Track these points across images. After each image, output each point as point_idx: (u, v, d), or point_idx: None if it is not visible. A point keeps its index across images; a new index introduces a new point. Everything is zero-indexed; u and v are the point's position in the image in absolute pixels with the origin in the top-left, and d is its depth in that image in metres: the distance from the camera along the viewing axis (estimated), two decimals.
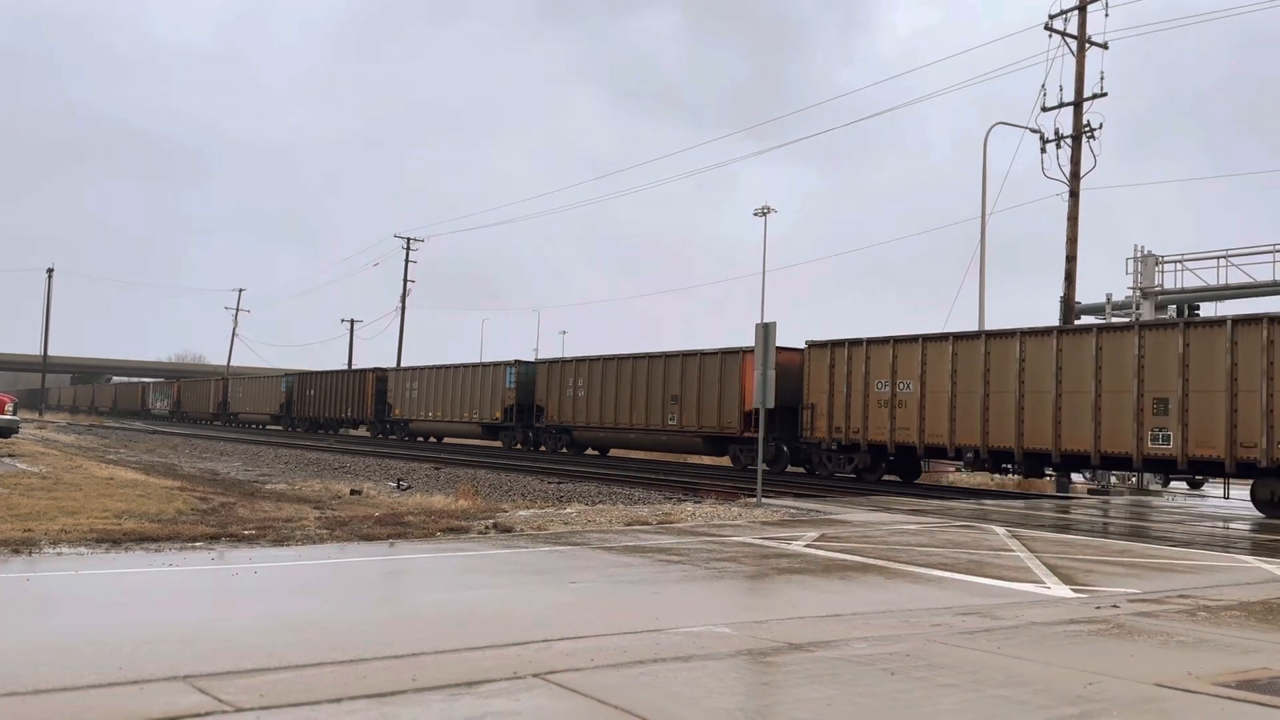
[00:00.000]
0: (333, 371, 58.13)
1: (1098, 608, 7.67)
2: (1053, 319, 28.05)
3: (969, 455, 22.90)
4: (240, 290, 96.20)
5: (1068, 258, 26.17)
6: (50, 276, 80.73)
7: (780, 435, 27.89)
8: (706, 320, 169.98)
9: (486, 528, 12.06)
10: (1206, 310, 32.12)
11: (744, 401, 28.97)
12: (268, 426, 61.54)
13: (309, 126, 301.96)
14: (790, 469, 28.25)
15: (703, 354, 31.30)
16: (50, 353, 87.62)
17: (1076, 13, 26.14)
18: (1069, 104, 26.06)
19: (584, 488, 22.33)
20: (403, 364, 56.86)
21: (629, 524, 12.91)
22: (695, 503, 17.23)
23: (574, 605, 7.36)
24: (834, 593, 8.18)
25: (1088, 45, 26.06)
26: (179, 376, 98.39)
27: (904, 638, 6.32)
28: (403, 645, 5.70)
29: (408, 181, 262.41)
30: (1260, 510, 18.31)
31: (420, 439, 48.11)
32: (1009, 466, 22.52)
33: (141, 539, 10.03)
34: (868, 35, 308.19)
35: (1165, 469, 20.12)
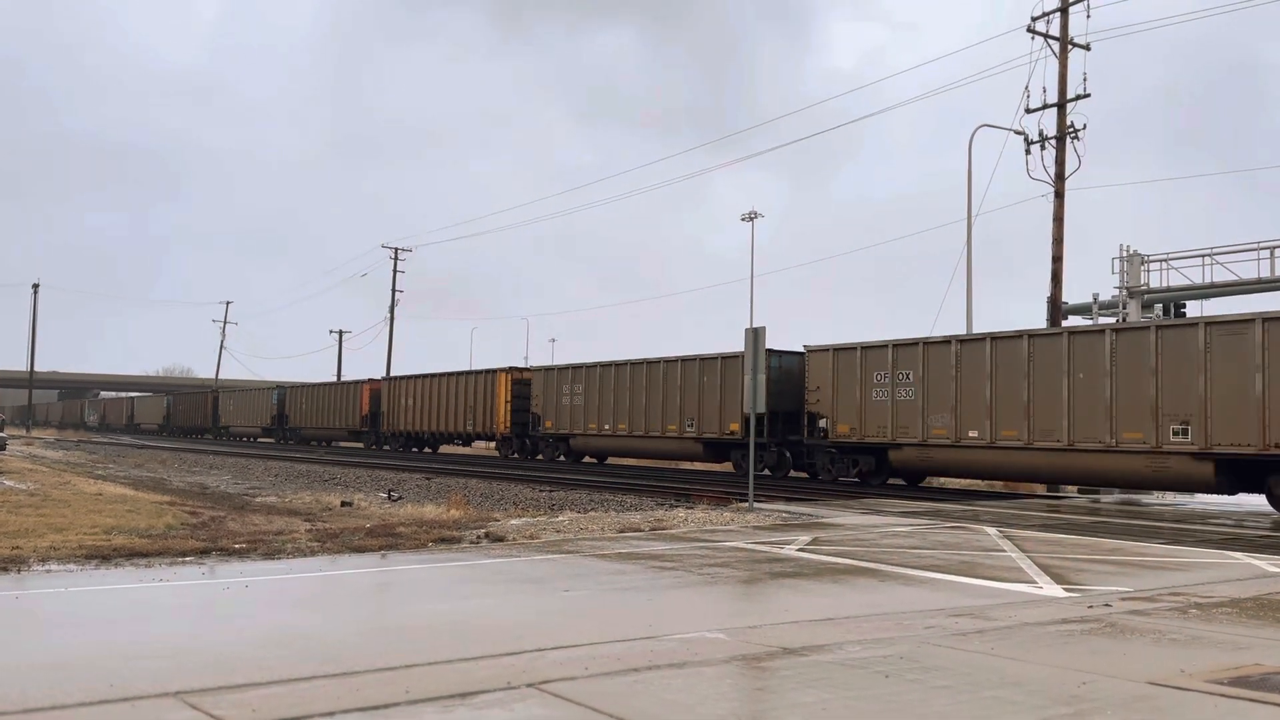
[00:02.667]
0: (192, 392, 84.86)
1: (1090, 607, 7.69)
2: (1040, 320, 28.16)
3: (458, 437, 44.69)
4: (227, 303, 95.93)
5: (1054, 258, 26.26)
6: (36, 292, 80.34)
7: (376, 429, 50.95)
8: (686, 325, 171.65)
9: (478, 537, 12.03)
10: (1193, 309, 32.32)
11: (361, 408, 52.59)
12: (162, 433, 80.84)
13: (286, 144, 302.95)
14: (385, 448, 49.48)
15: (349, 383, 55.98)
16: (38, 368, 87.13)
17: (1059, 14, 26.28)
18: (1052, 105, 26.18)
19: (576, 495, 22.31)
20: (393, 374, 61.91)
21: (621, 531, 12.89)
22: (688, 508, 17.22)
23: (567, 613, 7.35)
24: (827, 596, 8.18)
25: (1070, 46, 26.19)
26: (167, 390, 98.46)
27: (897, 640, 6.33)
28: (395, 657, 5.68)
29: (386, 197, 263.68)
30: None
31: (239, 439, 68.24)
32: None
33: (131, 555, 9.98)
34: (816, 48, 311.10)
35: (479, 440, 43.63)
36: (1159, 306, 33.23)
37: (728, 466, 31.52)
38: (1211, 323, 19.19)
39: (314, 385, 60.11)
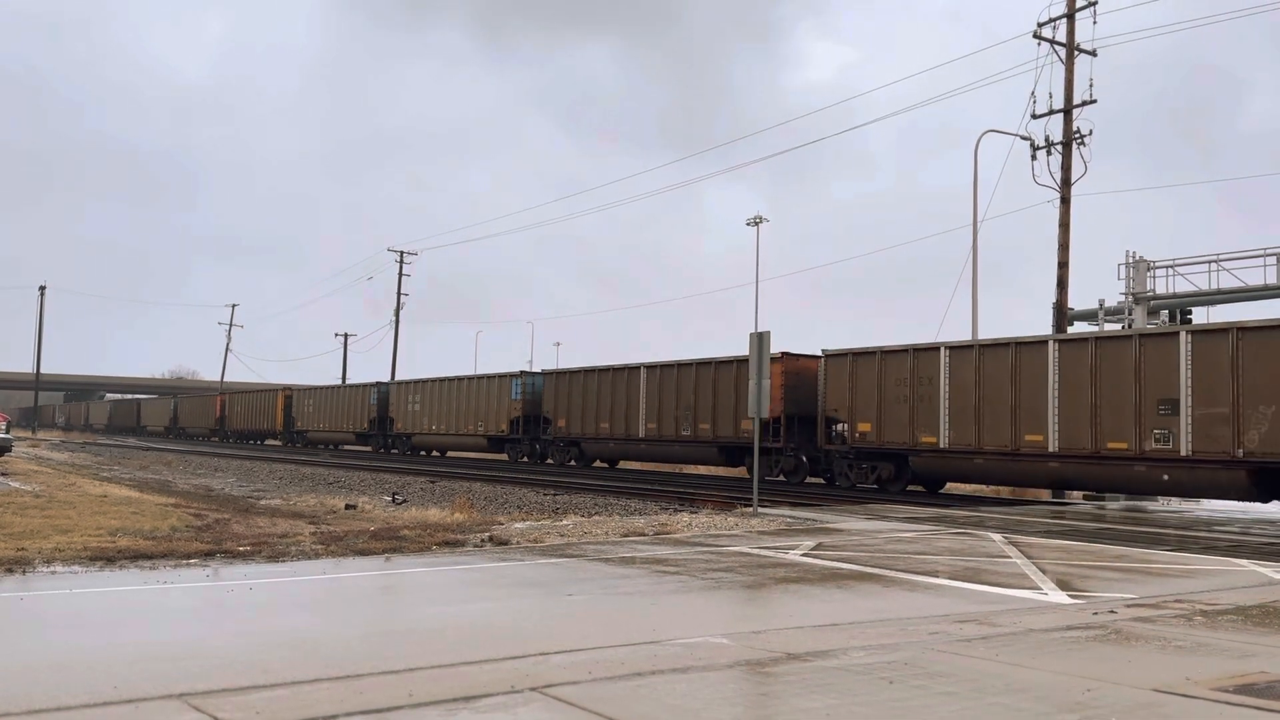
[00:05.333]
0: (124, 399, 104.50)
1: (1095, 613, 7.67)
2: (1046, 326, 28.11)
3: None
4: (234, 305, 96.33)
5: (1059, 264, 26.22)
6: (43, 294, 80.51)
7: (223, 428, 66.82)
8: (685, 327, 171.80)
9: (482, 541, 12.03)
10: (1199, 315, 32.25)
11: (214, 413, 70.97)
12: (106, 431, 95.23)
13: (291, 151, 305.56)
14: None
15: (211, 395, 72.30)
16: (44, 370, 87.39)
17: (1065, 20, 26.27)
18: (1059, 111, 26.15)
19: (580, 499, 22.30)
20: (398, 378, 62.81)
21: (625, 535, 12.89)
22: (692, 513, 17.21)
23: (571, 618, 7.34)
24: (831, 602, 8.17)
25: (1076, 52, 26.18)
26: (172, 392, 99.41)
27: (902, 646, 6.31)
28: (399, 660, 5.68)
29: (384, 205, 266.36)
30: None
31: (153, 435, 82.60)
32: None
33: (136, 556, 9.99)
34: (791, 62, 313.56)
35: None
36: (1164, 313, 33.17)
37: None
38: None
39: (192, 396, 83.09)
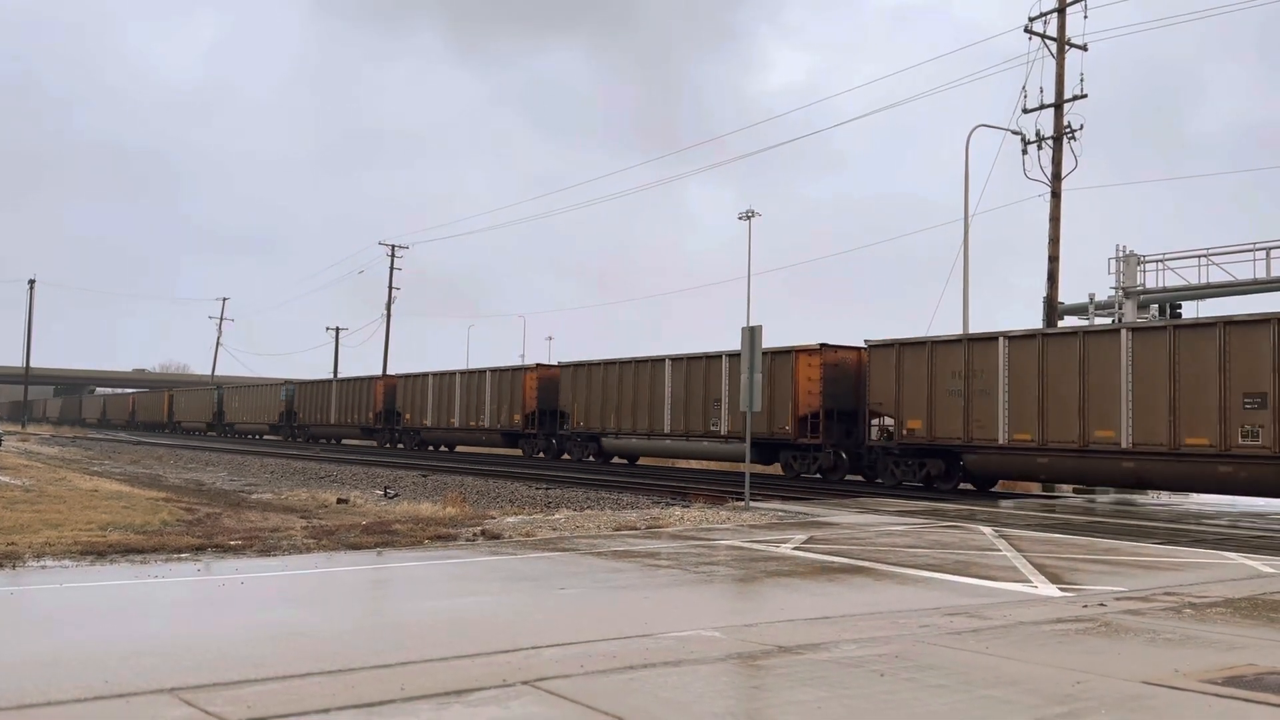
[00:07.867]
0: (81, 396, 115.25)
1: (1085, 606, 7.71)
2: (1036, 320, 28.19)
3: None
4: (224, 299, 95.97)
5: (1050, 258, 26.28)
6: (32, 287, 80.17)
7: (135, 421, 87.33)
8: (676, 325, 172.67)
9: (474, 535, 12.02)
10: (1189, 310, 32.34)
11: (128, 408, 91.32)
12: (59, 424, 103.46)
13: (271, 152, 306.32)
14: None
15: (125, 395, 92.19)
16: (35, 365, 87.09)
17: (1056, 15, 26.29)
18: (1049, 105, 26.19)
19: (572, 494, 22.31)
20: (387, 371, 62.33)
21: (617, 529, 12.90)
22: (684, 507, 17.22)
23: (563, 611, 7.35)
24: (822, 595, 8.19)
25: (1067, 47, 26.21)
26: (165, 386, 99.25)
27: (892, 639, 6.34)
28: (391, 654, 5.68)
29: (371, 203, 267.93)
30: None
31: (90, 425, 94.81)
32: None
33: (127, 551, 9.96)
34: (760, 66, 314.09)
35: None
36: (1154, 307, 33.27)
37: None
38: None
39: (114, 397, 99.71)
